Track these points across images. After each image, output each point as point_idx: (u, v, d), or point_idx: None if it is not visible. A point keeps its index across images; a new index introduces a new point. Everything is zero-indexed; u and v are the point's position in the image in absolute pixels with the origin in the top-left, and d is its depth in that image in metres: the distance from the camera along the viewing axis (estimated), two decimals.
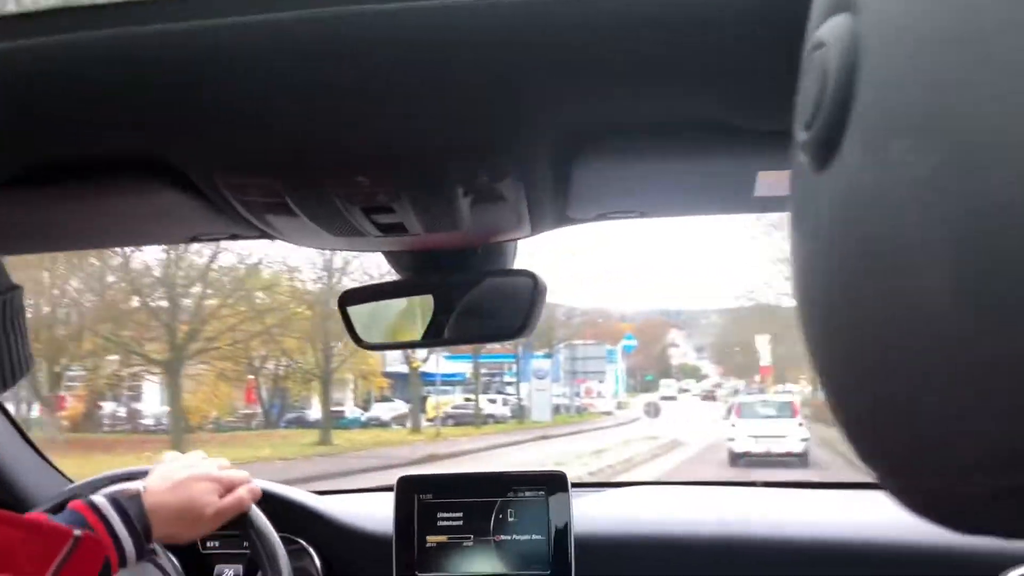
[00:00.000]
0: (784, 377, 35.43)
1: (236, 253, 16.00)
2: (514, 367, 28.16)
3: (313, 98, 0.59)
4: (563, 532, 1.31)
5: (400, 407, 24.65)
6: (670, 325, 68.04)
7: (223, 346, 16.17)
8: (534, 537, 1.32)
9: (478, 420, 23.03)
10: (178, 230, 0.96)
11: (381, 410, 24.52)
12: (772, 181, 0.72)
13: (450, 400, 26.26)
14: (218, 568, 1.38)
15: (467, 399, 25.77)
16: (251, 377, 20.74)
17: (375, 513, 1.41)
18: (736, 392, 37.55)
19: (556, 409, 29.71)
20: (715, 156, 0.70)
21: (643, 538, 1.36)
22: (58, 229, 0.93)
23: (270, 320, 17.02)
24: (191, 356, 15.61)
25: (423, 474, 1.40)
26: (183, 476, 1.02)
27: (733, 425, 15.09)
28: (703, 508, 1.47)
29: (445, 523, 1.34)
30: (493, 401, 27.39)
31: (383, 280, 1.12)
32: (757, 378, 39.54)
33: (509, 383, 29.01)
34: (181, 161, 0.70)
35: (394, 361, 24.95)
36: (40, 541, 0.83)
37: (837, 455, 14.80)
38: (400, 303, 1.14)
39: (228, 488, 1.05)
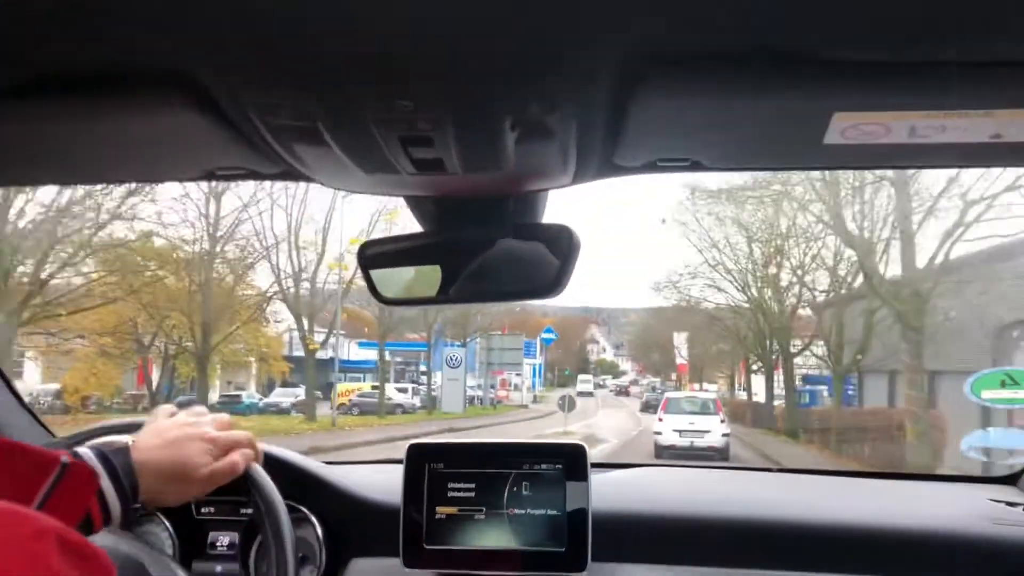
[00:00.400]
0: (701, 376, 35.64)
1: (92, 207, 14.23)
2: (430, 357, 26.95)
3: (354, 5, 0.54)
4: (580, 508, 1.26)
5: (303, 394, 23.28)
6: (591, 322, 70.14)
7: (65, 313, 14.36)
8: (549, 512, 1.27)
9: (382, 410, 21.69)
10: (194, 161, 0.86)
11: (282, 396, 23.03)
12: (848, 126, 0.67)
13: (360, 388, 24.89)
14: (213, 535, 1.33)
15: (374, 387, 24.49)
16: (143, 357, 19.05)
17: (384, 483, 1.38)
18: (654, 389, 38.23)
19: (471, 401, 28.89)
20: (787, 92, 0.63)
21: (654, 518, 1.34)
22: (61, 154, 0.83)
23: (138, 283, 15.30)
24: (24, 324, 13.77)
25: (435, 442, 1.34)
26: (177, 434, 0.96)
27: (661, 419, 15.87)
28: (714, 490, 1.48)
29: (456, 494, 1.29)
30: (403, 390, 26.19)
31: (400, 234, 1.08)
32: (674, 376, 40.18)
33: (425, 373, 27.79)
34: (206, 75, 0.64)
35: (300, 345, 23.83)
36: (25, 465, 0.78)
37: (752, 450, 16.10)
38: (422, 257, 1.06)
39: (224, 450, 0.99)
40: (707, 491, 1.45)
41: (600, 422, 23.29)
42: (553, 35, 0.56)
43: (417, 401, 25.34)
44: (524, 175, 0.85)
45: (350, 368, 33.14)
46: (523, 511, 1.26)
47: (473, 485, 1.28)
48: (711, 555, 1.26)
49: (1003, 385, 7.40)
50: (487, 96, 0.65)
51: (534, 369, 38.66)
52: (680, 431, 15.00)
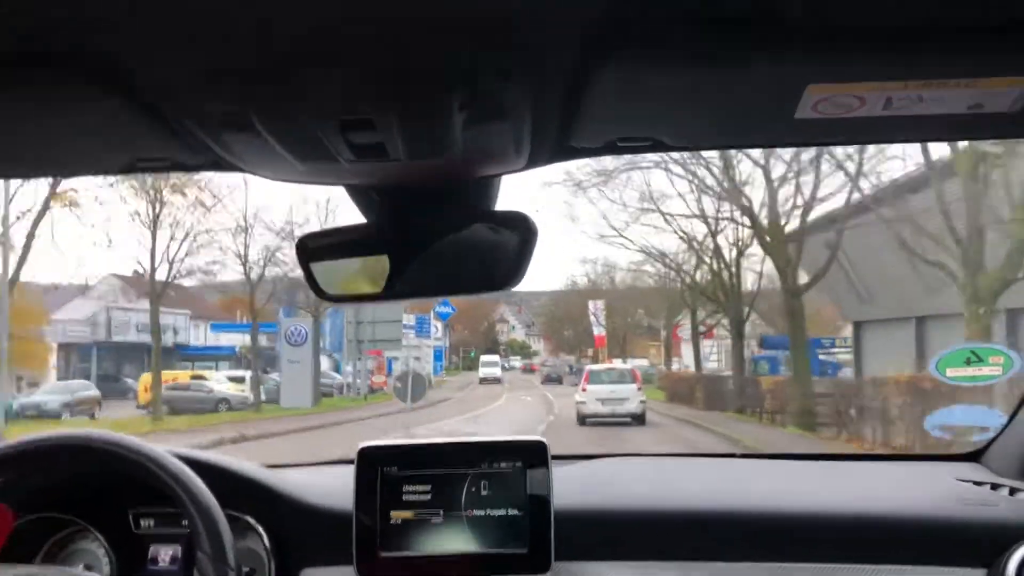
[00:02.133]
0: (623, 348, 31.56)
1: None
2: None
3: None
4: (542, 506, 1.24)
5: (85, 389, 17.08)
6: (501, 302, 66.63)
7: None
8: (510, 512, 1.24)
9: (158, 408, 15.62)
10: (113, 153, 0.81)
11: (51, 394, 16.70)
12: (821, 98, 0.64)
13: (177, 377, 18.70)
14: (153, 549, 1.30)
15: (195, 376, 18.43)
16: None
17: (335, 488, 1.33)
18: (571, 367, 35.31)
19: (339, 390, 23.11)
20: (758, 63, 0.60)
21: (618, 512, 1.32)
22: None
23: None
24: None
25: (387, 443, 1.29)
26: None
27: (584, 390, 16.48)
28: (677, 480, 1.47)
29: (412, 497, 1.25)
30: (238, 379, 20.07)
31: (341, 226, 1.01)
32: (590, 351, 36.84)
33: (252, 355, 21.42)
34: (124, 56, 0.59)
35: (125, 325, 17.69)
36: None
37: (666, 417, 17.29)
38: (367, 249, 1.00)
39: None
40: (670, 481, 1.45)
41: (500, 414, 18.27)
42: (509, 5, 0.52)
43: (251, 394, 19.15)
44: (474, 160, 0.79)
45: (196, 355, 27.34)
46: (483, 512, 1.24)
47: (429, 487, 1.25)
48: (677, 549, 1.25)
49: (968, 363, 6.99)
50: (435, 69, 0.60)
51: (436, 352, 33.61)
52: (603, 400, 15.86)
